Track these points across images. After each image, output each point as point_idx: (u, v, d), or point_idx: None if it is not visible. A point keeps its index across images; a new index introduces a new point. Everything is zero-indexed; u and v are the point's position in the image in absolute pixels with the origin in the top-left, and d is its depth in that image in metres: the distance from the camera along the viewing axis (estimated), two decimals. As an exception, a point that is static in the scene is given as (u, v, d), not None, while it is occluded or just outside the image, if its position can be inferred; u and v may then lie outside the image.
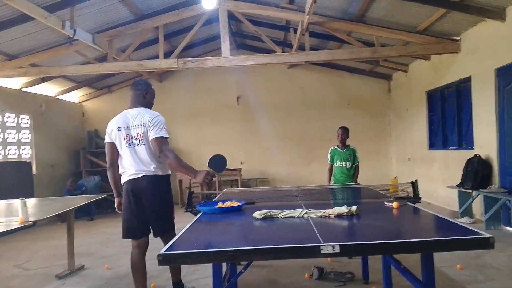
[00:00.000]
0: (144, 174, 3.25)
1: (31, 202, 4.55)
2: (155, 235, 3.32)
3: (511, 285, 3.63)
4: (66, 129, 9.90)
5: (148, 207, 3.27)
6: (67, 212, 4.32)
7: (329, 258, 4.46)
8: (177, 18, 7.24)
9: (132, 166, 3.25)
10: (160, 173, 3.31)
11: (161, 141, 3.20)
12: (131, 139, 3.27)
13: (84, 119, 10.78)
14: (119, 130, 3.28)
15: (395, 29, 6.97)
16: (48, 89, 9.12)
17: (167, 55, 7.47)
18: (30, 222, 3.27)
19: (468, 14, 5.85)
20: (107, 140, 3.37)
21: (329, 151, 5.47)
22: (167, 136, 3.31)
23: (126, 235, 3.45)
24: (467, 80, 6.79)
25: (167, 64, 7.24)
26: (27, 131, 8.53)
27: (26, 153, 8.44)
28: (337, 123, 10.27)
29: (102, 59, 7.77)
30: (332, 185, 5.13)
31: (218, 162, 3.43)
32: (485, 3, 5.60)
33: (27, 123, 8.56)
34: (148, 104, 3.52)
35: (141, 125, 3.27)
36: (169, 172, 3.46)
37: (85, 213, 8.55)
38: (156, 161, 3.27)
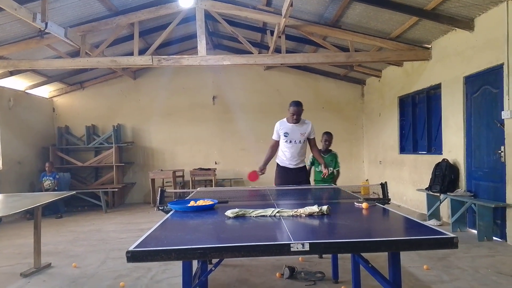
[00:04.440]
0: None
1: (-5, 198, 4.41)
2: None
3: (475, 285, 3.76)
4: (35, 124, 9.61)
5: None
6: (34, 208, 4.20)
7: (300, 258, 4.50)
8: (153, 16, 7.16)
9: None
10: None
11: None
12: None
13: (55, 115, 10.49)
14: None
15: (369, 35, 7.12)
16: (17, 83, 8.83)
17: (142, 52, 7.37)
18: (-6, 219, 3.15)
19: (439, 23, 6.03)
20: None
21: (311, 155, 5.46)
22: (273, 137, 4.98)
23: None
24: (437, 86, 7.00)
25: (142, 61, 7.14)
26: (-6, 126, 8.24)
27: (-8, 148, 8.14)
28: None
29: (75, 54, 7.59)
30: (304, 186, 5.15)
31: None
32: (455, 13, 5.79)
33: (-6, 117, 8.27)
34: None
35: None
36: (277, 161, 5.08)
37: (53, 211, 8.32)
38: None
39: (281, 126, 4.90)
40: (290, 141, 4.86)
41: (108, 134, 10.07)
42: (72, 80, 10.07)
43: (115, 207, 9.60)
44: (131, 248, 1.84)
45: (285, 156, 4.94)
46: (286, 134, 4.85)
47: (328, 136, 5.63)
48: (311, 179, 5.61)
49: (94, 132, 10.35)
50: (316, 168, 5.51)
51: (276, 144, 5.02)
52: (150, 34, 8.25)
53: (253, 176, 4.74)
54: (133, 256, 1.83)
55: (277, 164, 5.07)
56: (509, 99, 5.10)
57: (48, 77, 9.18)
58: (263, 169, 4.91)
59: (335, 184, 5.43)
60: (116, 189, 9.49)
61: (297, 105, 4.75)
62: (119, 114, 10.47)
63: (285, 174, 4.94)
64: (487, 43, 5.54)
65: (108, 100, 10.55)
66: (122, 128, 10.41)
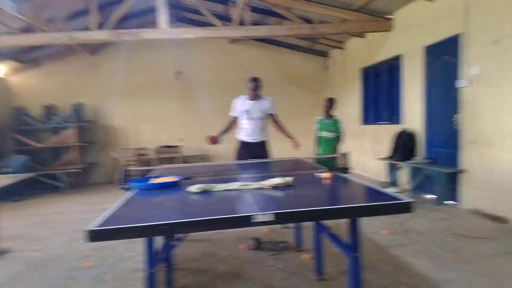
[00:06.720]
0: None
1: None
2: None
3: (432, 247, 3.96)
4: (-12, 105, 9.12)
5: None
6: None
7: (266, 229, 4.58)
8: (109, -13, 6.85)
9: None
10: None
11: None
12: None
13: (10, 95, 9.97)
14: None
15: (333, 6, 7.10)
16: (-35, 61, 8.30)
17: (100, 27, 7.05)
18: None
19: (400, -7, 6.09)
20: None
21: (316, 121, 5.94)
22: (231, 113, 4.99)
23: None
24: (399, 57, 7.12)
25: (100, 36, 6.85)
26: None
27: None
28: (277, 99, 10.39)
29: (28, 30, 7.17)
30: (268, 159, 5.07)
31: None
32: (415, -17, 5.85)
33: None
34: None
35: None
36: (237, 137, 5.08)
37: (14, 194, 8.01)
38: None
39: (241, 103, 4.91)
40: (251, 119, 4.87)
41: (68, 113, 9.70)
42: (27, 57, 9.53)
43: (78, 188, 9.37)
44: (91, 227, 1.80)
45: (245, 132, 4.96)
46: (246, 111, 4.86)
47: (327, 102, 5.84)
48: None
49: (52, 111, 9.94)
50: (320, 134, 5.88)
51: (233, 120, 5.01)
52: (109, 7, 7.87)
53: (213, 140, 4.74)
54: (94, 235, 1.79)
55: (238, 140, 5.07)
56: (467, 68, 5.27)
57: (1, 55, 8.66)
58: (219, 137, 4.90)
59: (339, 149, 5.71)
60: (78, 170, 9.23)
61: (256, 80, 4.79)
62: (78, 93, 10.08)
63: (245, 149, 4.96)
64: (446, 13, 5.66)
65: (66, 78, 10.11)
66: (82, 107, 10.05)
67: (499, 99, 4.78)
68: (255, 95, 4.83)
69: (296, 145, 4.81)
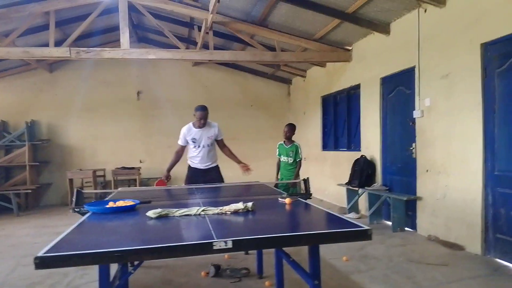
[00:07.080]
0: None
1: None
2: None
3: (388, 273, 4.02)
4: None
5: None
6: None
7: (226, 255, 4.49)
8: (70, 5, 6.70)
9: None
10: None
11: None
12: None
13: (-43, 110, 9.43)
14: None
15: (295, 35, 7.31)
16: None
17: (59, 43, 6.87)
18: None
19: (358, 26, 6.36)
20: None
21: (277, 146, 5.92)
22: (179, 142, 4.93)
23: None
24: (357, 87, 7.39)
25: (58, 53, 6.65)
26: None
27: None
28: (241, 123, 10.61)
29: (-20, 42, 6.88)
30: (230, 184, 5.01)
31: None
32: (373, 17, 6.15)
33: None
34: None
35: None
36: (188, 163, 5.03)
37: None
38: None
39: (188, 132, 4.89)
40: (199, 146, 4.89)
41: (21, 131, 9.25)
42: (-22, 71, 9.12)
43: (28, 210, 8.88)
44: (40, 254, 1.70)
45: (195, 160, 4.96)
46: (194, 140, 4.87)
47: (287, 127, 5.85)
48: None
49: (4, 129, 9.46)
50: (281, 158, 5.83)
51: (182, 149, 5.01)
52: (69, 24, 7.71)
53: (161, 183, 4.65)
54: (43, 262, 1.69)
55: (189, 165, 5.05)
56: (420, 100, 5.53)
57: None
58: (167, 176, 4.91)
59: (298, 175, 5.67)
60: (30, 190, 8.77)
61: (203, 109, 4.80)
62: (33, 110, 9.68)
63: (195, 175, 4.92)
64: (401, 47, 5.95)
65: (21, 94, 9.70)
66: (36, 124, 9.65)
67: (448, 129, 5.03)
68: (203, 123, 4.85)
69: (247, 168, 4.82)
